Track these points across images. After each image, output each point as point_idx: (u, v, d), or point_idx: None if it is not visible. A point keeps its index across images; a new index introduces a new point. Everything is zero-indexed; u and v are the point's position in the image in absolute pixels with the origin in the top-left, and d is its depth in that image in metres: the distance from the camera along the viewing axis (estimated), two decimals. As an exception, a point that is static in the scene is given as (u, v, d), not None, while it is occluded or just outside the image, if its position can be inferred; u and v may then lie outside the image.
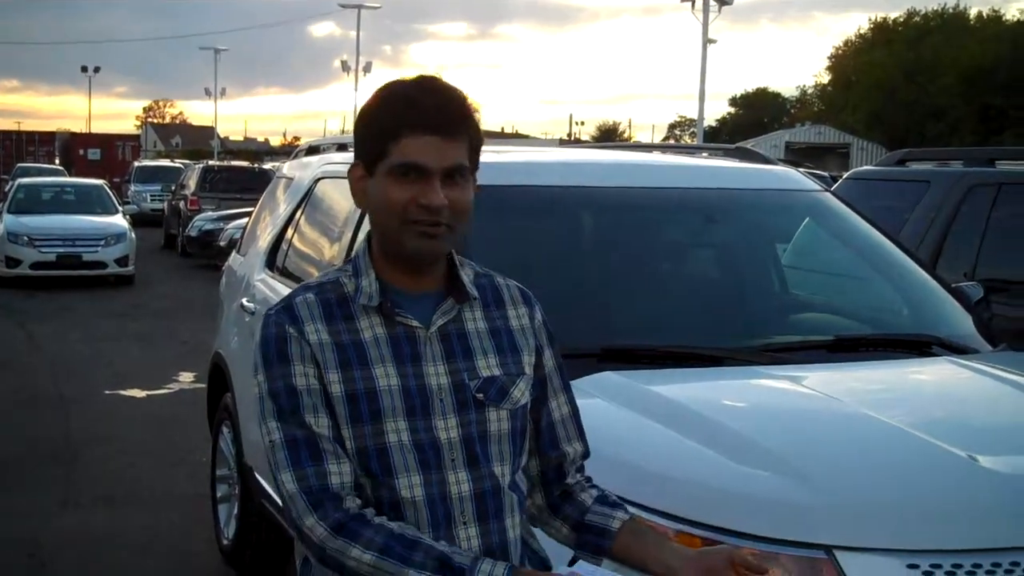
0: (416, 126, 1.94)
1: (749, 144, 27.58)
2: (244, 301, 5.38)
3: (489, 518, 2.02)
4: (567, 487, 2.20)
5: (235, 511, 5.24)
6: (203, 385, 6.38)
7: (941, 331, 3.93)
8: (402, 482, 1.97)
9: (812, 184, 4.66)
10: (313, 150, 6.19)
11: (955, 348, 3.81)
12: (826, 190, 4.77)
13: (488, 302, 2.11)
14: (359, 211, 4.27)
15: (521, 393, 2.08)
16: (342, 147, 5.55)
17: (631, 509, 2.61)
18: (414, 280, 2.04)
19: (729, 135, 67.71)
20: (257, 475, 4.74)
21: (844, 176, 7.89)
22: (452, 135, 1.96)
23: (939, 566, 2.46)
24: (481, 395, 2.03)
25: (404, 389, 1.98)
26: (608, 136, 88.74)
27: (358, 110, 2.06)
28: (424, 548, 1.91)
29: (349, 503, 1.95)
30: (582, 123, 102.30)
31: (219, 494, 5.57)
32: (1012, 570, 2.49)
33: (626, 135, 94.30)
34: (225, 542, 5.30)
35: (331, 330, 2.00)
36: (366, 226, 4.16)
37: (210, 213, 21.07)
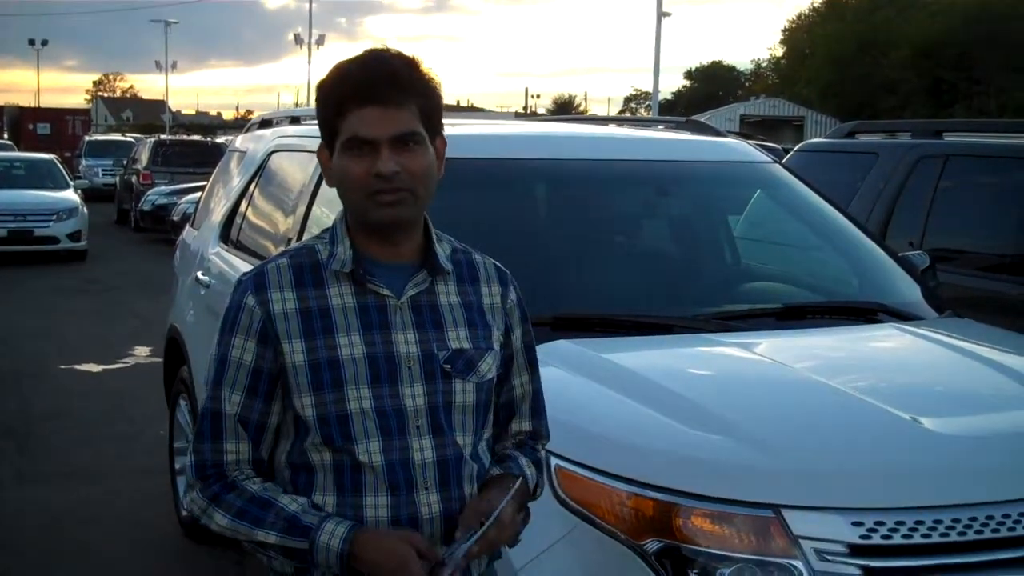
0: (356, 99, 1.98)
1: (704, 117, 27.69)
2: (199, 274, 5.38)
3: (450, 485, 2.06)
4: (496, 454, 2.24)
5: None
6: (159, 359, 6.38)
7: (887, 299, 4.02)
8: (361, 447, 2.01)
9: (762, 156, 4.72)
10: (266, 123, 6.18)
11: (901, 315, 3.89)
12: (776, 162, 4.83)
13: (463, 277, 2.15)
14: (313, 183, 4.30)
15: (488, 367, 2.12)
16: (295, 120, 5.55)
17: (585, 472, 2.70)
18: (389, 251, 2.08)
19: (684, 108, 67.88)
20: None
21: (795, 148, 7.97)
22: (394, 103, 1.99)
23: (882, 523, 2.54)
24: (448, 366, 2.07)
25: (370, 357, 2.02)
26: (564, 109, 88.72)
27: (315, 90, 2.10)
28: (276, 509, 2.00)
29: (233, 476, 2.05)
30: (538, 96, 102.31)
31: (177, 467, 5.58)
32: (953, 526, 2.58)
33: (582, 108, 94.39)
34: (184, 514, 5.32)
35: (300, 296, 2.04)
36: (321, 198, 4.20)
37: (163, 187, 20.93)
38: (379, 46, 2.07)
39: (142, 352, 9.98)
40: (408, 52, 2.06)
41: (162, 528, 5.53)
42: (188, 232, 6.35)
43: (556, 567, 2.64)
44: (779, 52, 74.21)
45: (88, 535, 5.49)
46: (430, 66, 2.06)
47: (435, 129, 2.07)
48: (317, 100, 2.08)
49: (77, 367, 9.42)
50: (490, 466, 2.18)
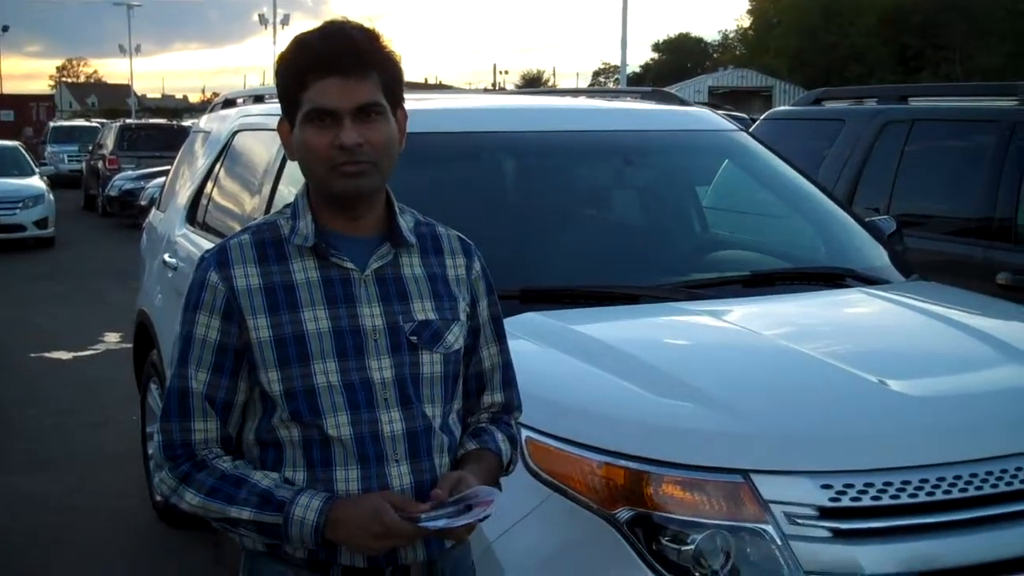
0: (317, 70, 1.98)
1: (673, 90, 27.65)
2: (166, 257, 5.35)
3: (421, 456, 2.05)
4: (470, 427, 2.23)
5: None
6: (130, 345, 6.34)
7: (855, 264, 4.03)
8: (329, 421, 2.00)
9: (728, 124, 4.72)
10: (230, 103, 6.13)
11: (868, 279, 3.92)
12: (743, 130, 4.83)
13: (427, 249, 2.14)
14: (278, 162, 4.27)
15: (455, 338, 2.11)
16: (259, 99, 5.50)
17: (556, 443, 2.70)
18: (351, 224, 2.07)
19: (653, 81, 67.76)
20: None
21: (762, 117, 7.98)
22: (355, 74, 1.98)
23: (851, 485, 2.55)
24: (415, 338, 2.06)
25: (335, 330, 2.02)
26: (532, 85, 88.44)
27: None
28: (249, 486, 1.99)
29: (203, 454, 2.03)
30: (506, 72, 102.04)
31: (150, 452, 5.55)
32: (921, 487, 2.60)
33: (551, 83, 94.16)
34: (158, 498, 5.30)
35: (263, 271, 2.03)
36: (286, 177, 4.17)
37: (130, 172, 20.77)
38: (338, 18, 2.06)
39: (112, 338, 9.92)
40: (368, 25, 2.05)
41: (136, 513, 5.51)
42: (154, 215, 6.30)
43: (529, 539, 2.64)
44: (746, 23, 74.22)
45: (62, 522, 5.46)
46: (390, 38, 2.06)
47: (396, 100, 2.07)
48: (276, 73, 2.07)
49: (47, 355, 9.35)
50: (465, 439, 2.17)
